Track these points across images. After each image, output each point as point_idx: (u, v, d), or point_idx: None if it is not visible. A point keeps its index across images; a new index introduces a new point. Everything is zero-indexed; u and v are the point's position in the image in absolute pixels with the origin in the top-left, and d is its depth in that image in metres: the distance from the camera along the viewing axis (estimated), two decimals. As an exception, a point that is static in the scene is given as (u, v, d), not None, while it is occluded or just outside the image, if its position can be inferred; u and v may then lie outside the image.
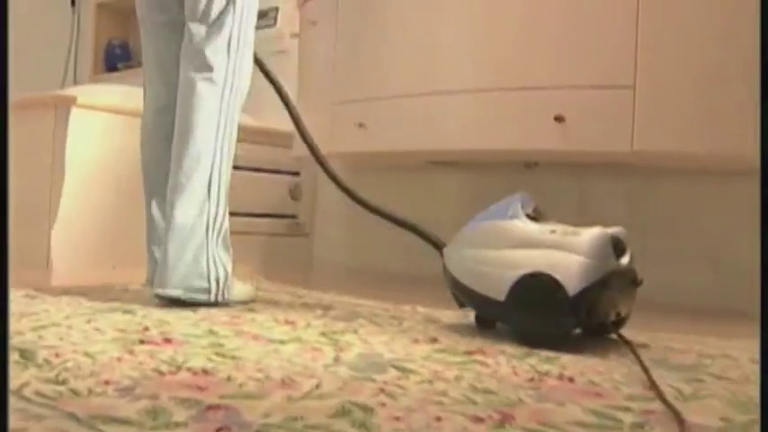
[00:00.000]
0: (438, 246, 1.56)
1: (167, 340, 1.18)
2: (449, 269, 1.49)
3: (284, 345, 1.19)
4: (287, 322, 1.43)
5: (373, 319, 1.52)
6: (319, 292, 1.96)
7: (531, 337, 1.30)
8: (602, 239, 1.31)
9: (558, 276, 1.28)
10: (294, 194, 2.96)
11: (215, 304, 1.62)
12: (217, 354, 1.09)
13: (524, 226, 1.39)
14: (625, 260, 1.36)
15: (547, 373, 1.07)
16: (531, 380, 1.03)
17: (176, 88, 1.72)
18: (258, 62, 1.84)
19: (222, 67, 1.69)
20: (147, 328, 1.28)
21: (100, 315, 1.41)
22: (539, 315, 1.30)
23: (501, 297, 1.34)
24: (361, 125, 2.10)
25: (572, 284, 1.26)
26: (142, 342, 1.16)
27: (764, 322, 0.88)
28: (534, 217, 1.42)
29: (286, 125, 2.62)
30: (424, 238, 1.61)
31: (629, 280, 1.36)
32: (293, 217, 2.99)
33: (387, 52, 2.10)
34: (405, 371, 1.04)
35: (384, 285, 1.67)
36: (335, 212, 2.98)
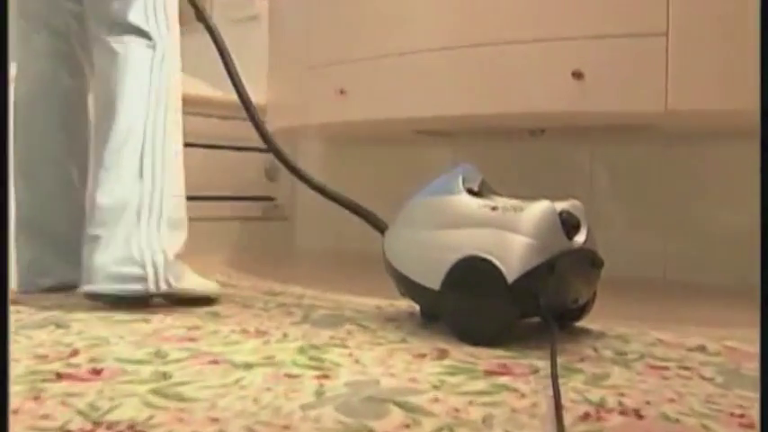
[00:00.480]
0: (381, 228, 1.35)
1: (96, 371, 0.90)
2: (386, 254, 1.28)
3: (251, 371, 0.91)
4: (258, 333, 1.15)
5: (365, 324, 1.24)
6: (300, 288, 1.68)
7: (469, 332, 1.12)
8: (548, 215, 1.11)
9: (494, 260, 1.09)
10: (270, 174, 2.68)
11: (154, 295, 1.39)
12: (157, 393, 0.81)
13: (461, 202, 1.18)
14: (579, 238, 1.14)
15: (602, 404, 0.80)
16: (586, 416, 0.76)
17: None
18: (204, 21, 1.56)
19: (147, 28, 1.44)
20: (75, 352, 1.00)
21: (24, 332, 1.13)
22: (474, 305, 1.12)
23: (436, 286, 1.15)
24: (341, 91, 1.82)
25: (511, 269, 1.08)
26: (60, 377, 0.87)
27: (764, 323, 0.78)
28: (477, 192, 1.21)
29: (260, 96, 2.35)
30: (366, 219, 1.39)
31: (587, 261, 1.16)
32: (270, 199, 2.71)
33: (368, 6, 1.81)
34: (412, 410, 0.77)
35: (376, 276, 1.40)
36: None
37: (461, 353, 1.04)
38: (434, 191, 1.24)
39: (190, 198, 2.48)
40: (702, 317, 1.46)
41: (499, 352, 1.05)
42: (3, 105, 0.94)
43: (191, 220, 2.43)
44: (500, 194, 1.24)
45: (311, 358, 0.99)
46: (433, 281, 1.16)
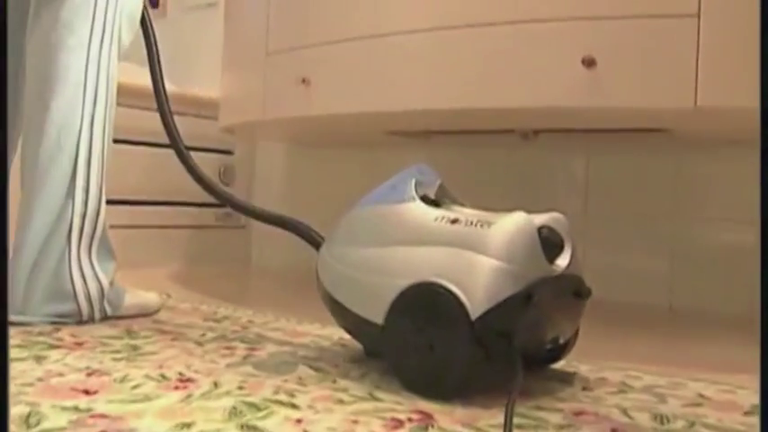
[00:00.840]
0: (317, 243, 1.09)
1: None
2: (319, 276, 1.02)
3: (153, 451, 0.64)
4: (180, 382, 0.87)
5: (322, 368, 0.97)
6: (249, 311, 1.41)
7: (419, 382, 0.86)
8: (524, 232, 0.87)
9: (454, 288, 0.83)
10: (225, 177, 2.40)
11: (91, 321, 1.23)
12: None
13: (413, 213, 0.93)
14: (562, 262, 0.90)
15: None
16: None
17: None
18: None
19: (83, 18, 1.23)
20: None
21: None
22: (426, 346, 0.85)
23: (379, 319, 0.90)
24: (303, 81, 1.55)
25: (476, 300, 0.82)
26: None
27: (764, 323, 0.68)
28: (433, 200, 0.96)
29: (215, 91, 2.07)
30: (299, 234, 1.13)
31: (570, 291, 0.91)
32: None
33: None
34: None
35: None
36: (278, 199, 2.43)
37: (448, 415, 0.78)
38: (379, 198, 0.98)
39: (134, 203, 2.23)
40: (708, 357, 1.21)
41: (458, 411, 0.79)
42: (2, 106, 0.89)
43: (134, 227, 2.16)
44: (462, 204, 0.98)
45: (244, 428, 0.71)
46: (375, 313, 0.90)
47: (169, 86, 2.38)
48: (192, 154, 2.32)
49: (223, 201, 1.30)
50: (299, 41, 1.60)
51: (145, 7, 1.35)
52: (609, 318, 1.53)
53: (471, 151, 1.96)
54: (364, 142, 2.15)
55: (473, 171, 1.94)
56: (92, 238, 1.25)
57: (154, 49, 1.36)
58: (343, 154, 2.25)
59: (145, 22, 1.36)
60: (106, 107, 1.26)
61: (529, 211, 0.90)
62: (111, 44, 1.26)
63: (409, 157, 2.08)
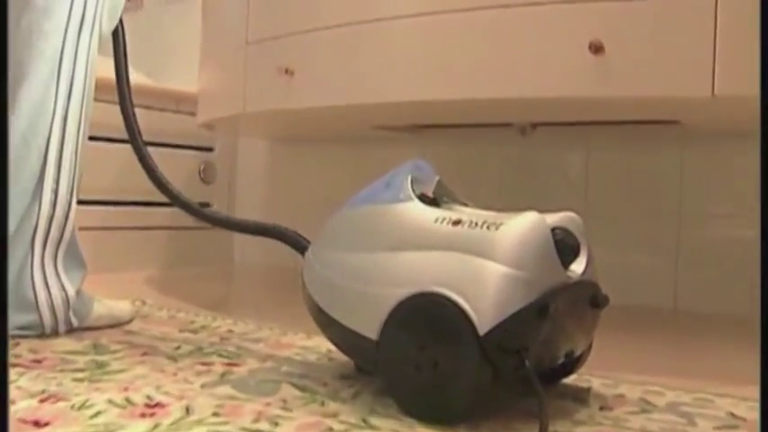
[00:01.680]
0: (302, 247, 0.98)
1: None
2: (305, 284, 0.92)
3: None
4: (146, 408, 0.77)
5: (308, 387, 0.87)
6: (229, 320, 1.31)
7: (418, 404, 0.76)
8: (538, 234, 0.77)
9: (458, 299, 0.74)
10: (206, 176, 2.30)
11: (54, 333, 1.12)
12: None
13: (410, 214, 0.82)
14: (578, 267, 0.80)
15: None
16: None
17: None
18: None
19: (60, 2, 1.11)
20: None
21: None
22: (426, 365, 0.75)
23: (373, 334, 0.80)
24: (286, 71, 1.44)
25: (484, 312, 0.72)
26: None
27: (764, 322, 0.66)
28: (433, 199, 0.86)
29: (194, 86, 1.97)
30: (283, 240, 1.03)
31: (587, 299, 0.81)
32: (205, 205, 2.31)
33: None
34: None
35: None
36: (261, 198, 2.32)
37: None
38: (371, 197, 0.88)
39: (108, 203, 2.12)
40: (725, 365, 1.12)
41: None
42: (2, 106, 0.89)
43: (109, 229, 2.05)
44: (464, 203, 0.89)
45: (218, 466, 0.61)
46: (369, 327, 0.80)
47: (146, 81, 2.29)
48: (171, 151, 2.24)
49: (208, 219, 1.20)
50: (280, 29, 1.49)
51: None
52: (614, 322, 1.42)
53: (464, 146, 1.86)
54: (351, 137, 2.05)
55: (466, 167, 1.84)
56: (58, 243, 1.14)
57: (120, 39, 1.25)
58: (328, 150, 2.15)
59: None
60: (83, 101, 1.14)
61: (539, 211, 0.80)
62: (91, 32, 1.15)
63: (398, 152, 1.98)
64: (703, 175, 1.62)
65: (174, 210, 2.25)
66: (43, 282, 1.11)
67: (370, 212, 0.86)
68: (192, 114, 2.02)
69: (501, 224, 0.76)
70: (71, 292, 1.14)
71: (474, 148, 1.84)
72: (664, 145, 1.64)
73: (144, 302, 1.46)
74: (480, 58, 1.23)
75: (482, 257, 0.75)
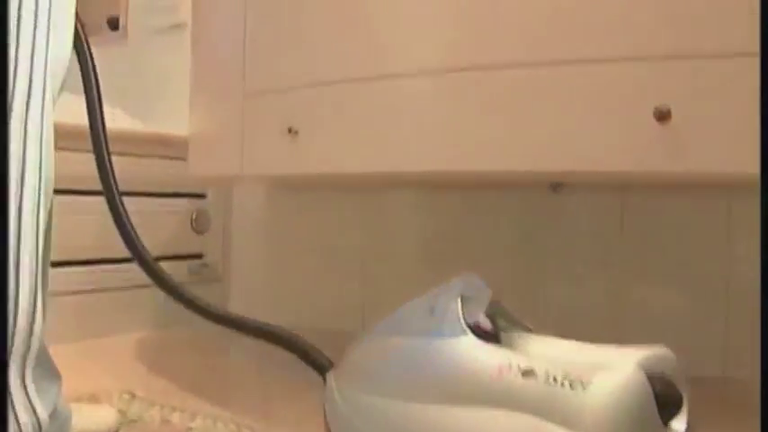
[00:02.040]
0: (322, 367, 0.85)
1: None
2: (328, 417, 0.77)
3: None
4: None
5: None
6: (233, 425, 1.13)
7: None
8: (638, 395, 0.60)
9: None
10: (198, 224, 2.13)
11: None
12: None
13: (467, 356, 0.65)
14: (680, 426, 0.65)
15: None
16: None
17: None
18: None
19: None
20: None
21: None
22: None
23: None
24: (289, 131, 1.27)
25: None
26: None
27: (764, 322, 0.59)
28: (490, 332, 0.69)
29: (185, 128, 1.79)
30: (303, 357, 0.91)
31: None
32: (198, 257, 2.14)
33: (327, 8, 1.28)
34: None
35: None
36: (259, 249, 2.15)
37: None
38: (411, 326, 0.71)
39: (92, 262, 1.94)
40: None
41: None
42: (2, 107, 0.86)
43: (94, 291, 1.87)
44: (526, 327, 0.72)
45: None
46: None
47: (131, 125, 2.11)
48: (161, 200, 2.06)
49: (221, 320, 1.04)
50: (283, 82, 1.32)
51: (78, 22, 1.05)
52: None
53: (483, 200, 1.69)
54: (359, 189, 1.88)
55: (485, 222, 1.67)
56: (25, 357, 0.95)
57: (92, 76, 1.08)
58: (332, 196, 1.98)
59: (79, 41, 1.07)
60: (39, 187, 0.95)
61: (624, 345, 0.64)
62: (42, 105, 0.96)
63: (410, 202, 1.82)
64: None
65: (164, 263, 2.08)
66: (11, 409, 0.93)
67: (410, 348, 0.70)
68: (183, 159, 1.84)
69: (589, 383, 0.59)
70: (43, 416, 0.95)
71: (499, 201, 1.67)
72: (707, 197, 1.48)
73: (133, 395, 1.28)
74: (513, 124, 1.06)
75: (565, 427, 0.58)
